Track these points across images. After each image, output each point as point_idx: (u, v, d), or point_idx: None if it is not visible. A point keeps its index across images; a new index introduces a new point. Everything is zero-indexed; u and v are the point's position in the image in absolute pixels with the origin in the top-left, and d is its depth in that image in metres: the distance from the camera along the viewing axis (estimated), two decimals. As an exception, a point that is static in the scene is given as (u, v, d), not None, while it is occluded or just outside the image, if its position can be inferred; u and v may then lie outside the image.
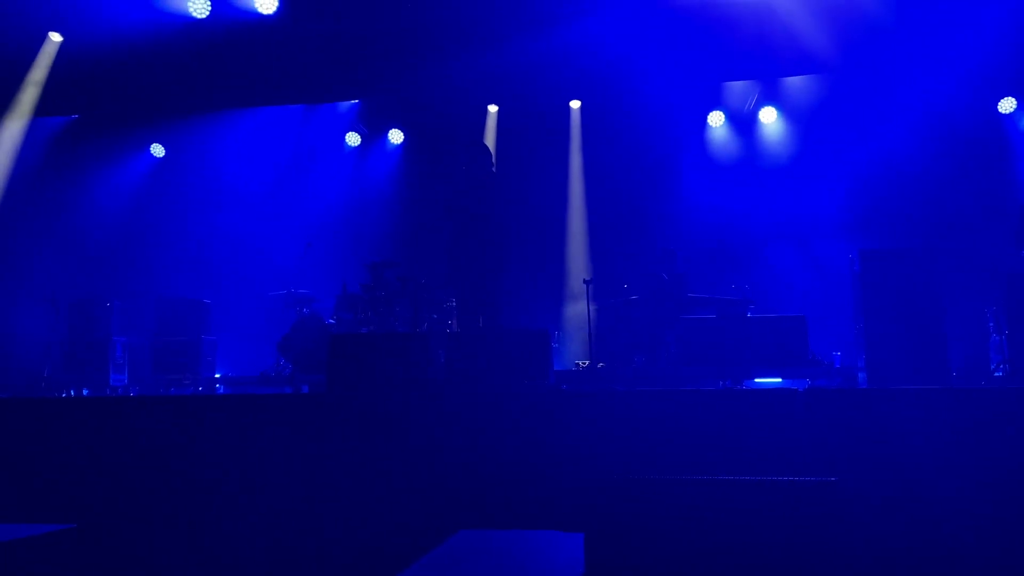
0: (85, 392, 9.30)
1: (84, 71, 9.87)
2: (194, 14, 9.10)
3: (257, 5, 9.07)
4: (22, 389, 9.27)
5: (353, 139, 11.89)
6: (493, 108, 11.21)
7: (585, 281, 8.65)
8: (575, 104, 11.09)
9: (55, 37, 9.80)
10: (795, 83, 10.54)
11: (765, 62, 9.59)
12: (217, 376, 9.89)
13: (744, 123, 11.00)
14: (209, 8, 9.10)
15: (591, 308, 8.75)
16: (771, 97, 10.78)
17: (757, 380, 7.94)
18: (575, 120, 11.16)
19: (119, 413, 5.20)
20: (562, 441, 4.37)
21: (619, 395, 4.99)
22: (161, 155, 11.68)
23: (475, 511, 4.04)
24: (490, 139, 11.10)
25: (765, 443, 3.89)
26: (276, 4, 9.08)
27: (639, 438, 4.31)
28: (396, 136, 11.88)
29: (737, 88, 10.81)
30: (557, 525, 3.32)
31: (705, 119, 11.01)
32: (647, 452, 4.13)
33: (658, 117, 10.63)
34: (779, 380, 8.13)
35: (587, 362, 8.80)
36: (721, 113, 11.00)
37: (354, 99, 11.33)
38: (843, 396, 4.34)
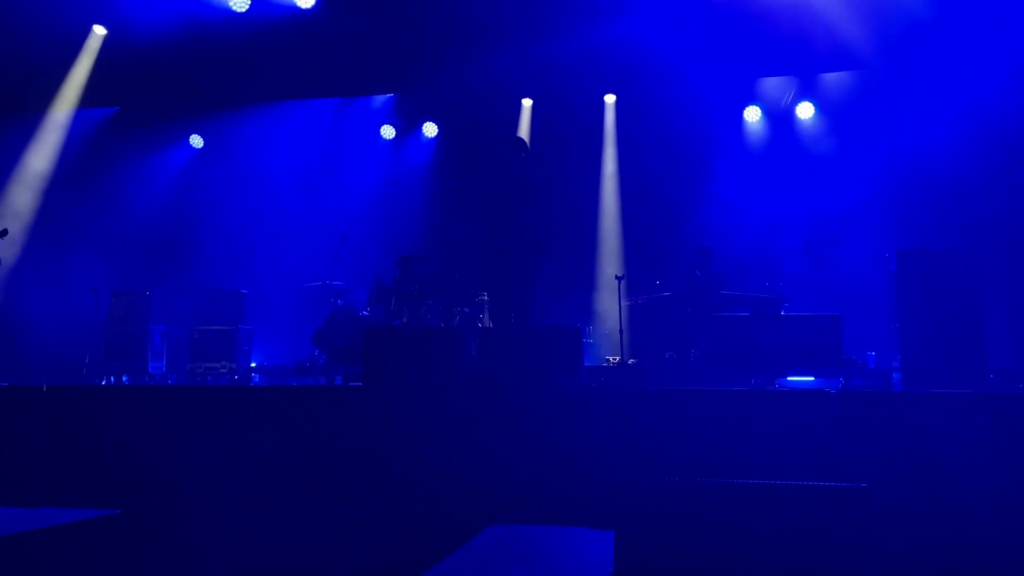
0: (125, 379, 9.50)
1: (127, 64, 10.05)
2: (234, 8, 9.23)
3: (296, 0, 9.16)
4: (64, 376, 9.50)
5: (388, 132, 11.96)
6: (527, 102, 11.21)
7: (617, 277, 8.64)
8: (610, 99, 11.06)
9: (99, 30, 9.98)
10: (833, 79, 10.40)
11: (802, 58, 9.49)
12: (253, 365, 10.05)
13: (781, 119, 10.88)
14: (249, 2, 9.22)
15: (623, 304, 8.75)
16: (808, 93, 10.65)
17: (790, 379, 7.88)
18: (609, 115, 11.12)
19: (160, 402, 5.32)
20: (592, 438, 4.39)
21: (650, 394, 5.01)
22: (200, 146, 11.85)
23: (506, 506, 4.08)
24: (524, 133, 11.10)
25: (796, 445, 3.88)
26: (314, -1, 9.19)
27: (669, 437, 4.32)
28: (430, 129, 11.92)
29: (774, 83, 10.70)
30: (587, 522, 3.35)
31: (741, 114, 10.91)
32: (677, 452, 4.14)
33: (694, 112, 10.54)
34: (812, 379, 8.07)
35: (618, 358, 8.80)
36: (758, 108, 10.90)
37: (390, 93, 11.40)
38: (876, 399, 4.31)
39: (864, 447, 3.75)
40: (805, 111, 10.71)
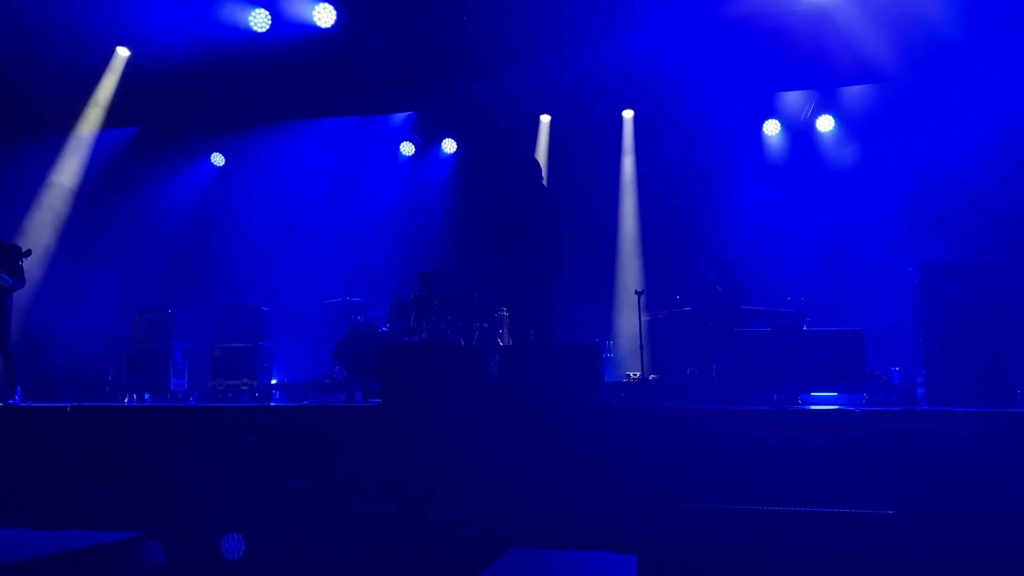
0: (147, 396, 9.57)
1: (149, 84, 10.18)
2: (255, 29, 9.32)
3: (316, 20, 9.25)
4: (87, 393, 9.58)
5: (407, 149, 12.03)
6: (546, 118, 11.23)
7: (637, 292, 8.61)
8: (628, 114, 11.06)
9: (123, 52, 10.12)
10: (853, 92, 10.34)
11: (822, 72, 9.44)
12: (274, 382, 10.09)
13: (801, 132, 10.83)
14: (269, 23, 9.31)
15: (643, 319, 8.71)
16: (828, 106, 10.59)
17: (812, 395, 7.81)
18: (627, 130, 11.11)
19: (182, 422, 5.36)
20: (613, 458, 4.37)
21: (671, 412, 4.98)
22: (221, 164, 11.96)
23: (527, 528, 4.06)
24: (542, 149, 11.12)
25: (821, 466, 3.83)
26: (334, 19, 9.25)
27: (691, 457, 4.29)
28: (449, 146, 11.97)
29: (794, 97, 10.65)
30: (609, 545, 3.31)
31: (760, 128, 10.86)
32: (699, 472, 4.10)
33: (712, 126, 10.52)
34: (835, 395, 7.98)
35: (638, 374, 8.75)
36: (777, 122, 10.85)
37: (409, 111, 11.46)
38: (901, 418, 4.25)
39: (890, 469, 3.69)
40: (825, 124, 10.66)
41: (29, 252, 8.04)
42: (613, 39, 9.30)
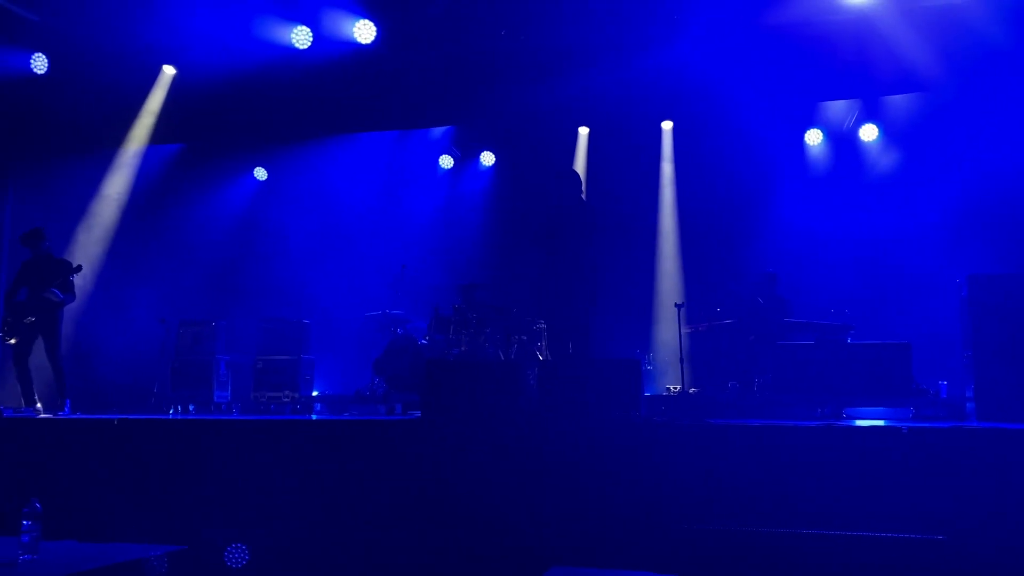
0: (191, 407, 9.74)
1: (194, 100, 10.39)
2: (297, 46, 9.47)
3: (356, 36, 9.37)
4: (133, 404, 9.78)
5: (446, 162, 12.10)
6: (584, 130, 11.22)
7: (677, 304, 8.55)
8: (667, 125, 10.99)
9: (169, 70, 10.35)
10: (897, 101, 10.16)
11: (865, 81, 9.29)
12: (315, 394, 10.20)
13: (844, 141, 10.67)
14: (311, 40, 9.45)
15: (683, 332, 8.64)
16: (872, 114, 10.42)
17: (857, 410, 7.67)
18: (667, 141, 11.05)
19: (226, 435, 5.43)
20: (653, 476, 4.33)
21: (712, 429, 4.92)
22: (264, 179, 12.15)
23: (567, 547, 4.04)
24: (580, 161, 11.11)
25: (868, 485, 3.75)
26: (374, 35, 9.36)
27: (733, 475, 4.23)
28: (488, 158, 12.02)
29: (836, 106, 10.50)
30: (651, 566, 3.28)
31: (802, 137, 10.72)
32: (741, 491, 4.05)
33: (753, 136, 10.40)
34: (881, 409, 7.84)
35: (678, 387, 8.68)
36: (819, 131, 10.71)
37: (448, 124, 11.54)
38: (950, 436, 4.15)
39: (939, 490, 3.59)
40: (868, 133, 10.49)
41: (79, 268, 8.23)
42: (652, 51, 9.26)
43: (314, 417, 8.52)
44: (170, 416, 9.10)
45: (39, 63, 9.91)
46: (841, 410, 7.52)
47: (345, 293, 11.03)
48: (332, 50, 9.58)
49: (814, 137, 10.71)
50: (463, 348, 8.88)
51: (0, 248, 10.92)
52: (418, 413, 7.74)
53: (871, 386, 7.60)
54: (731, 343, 8.95)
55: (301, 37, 9.46)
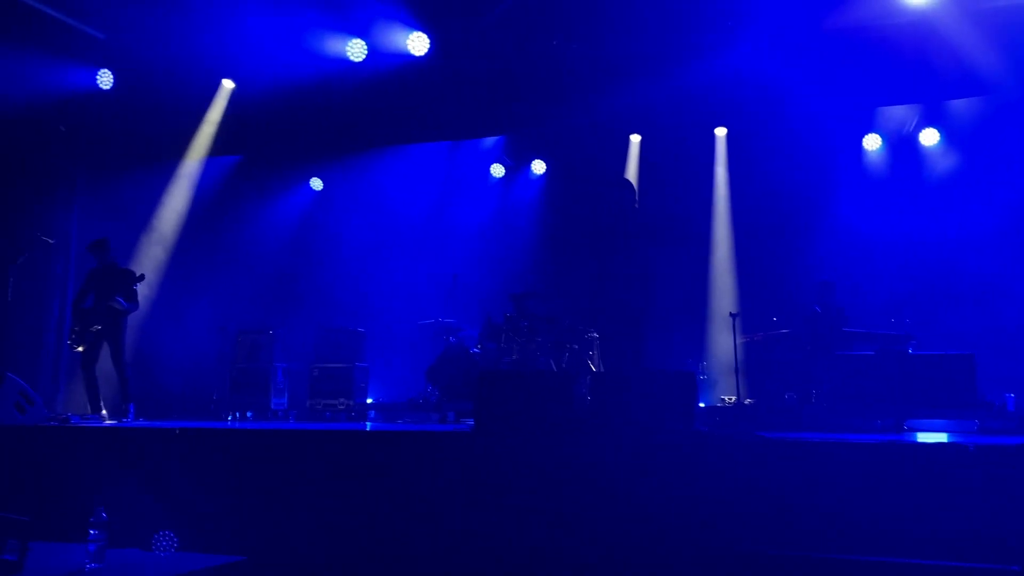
0: (249, 414, 9.93)
1: (252, 113, 10.62)
2: (352, 59, 9.62)
3: (410, 48, 9.47)
4: (194, 410, 10.01)
5: (497, 171, 12.15)
6: (636, 138, 11.14)
7: (732, 314, 8.46)
8: (720, 131, 10.86)
9: (228, 84, 10.60)
10: (960, 105, 9.86)
11: (927, 85, 9.04)
12: (369, 401, 10.31)
13: (903, 145, 10.41)
14: (366, 52, 9.59)
15: (738, 341, 8.53)
16: (933, 119, 10.15)
17: (919, 422, 7.48)
18: (720, 147, 10.92)
19: (285, 445, 5.52)
20: (709, 493, 4.27)
21: (769, 443, 4.84)
22: (319, 189, 12.35)
23: (621, 566, 4.01)
24: (632, 169, 11.03)
25: (931, 506, 3.64)
26: (427, 47, 9.45)
27: (789, 493, 4.15)
28: (539, 167, 12.03)
29: (896, 111, 10.24)
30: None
31: (860, 143, 10.49)
32: (797, 511, 3.96)
33: (810, 141, 10.19)
34: (944, 422, 7.62)
35: (733, 398, 8.57)
36: (878, 136, 10.46)
37: (499, 134, 11.58)
38: (1020, 454, 4.01)
39: (1012, 512, 3.46)
40: (929, 138, 10.21)
41: (143, 277, 8.46)
42: (706, 57, 9.17)
43: (368, 425, 8.61)
44: (228, 422, 9.32)
45: (105, 79, 10.25)
46: (902, 422, 7.34)
47: (398, 302, 11.13)
48: (386, 62, 9.71)
49: (872, 142, 10.47)
50: (515, 357, 8.90)
51: (68, 257, 11.28)
52: (471, 421, 7.78)
53: (933, 398, 7.42)
54: (787, 353, 8.80)
55: (356, 50, 9.61)
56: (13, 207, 10.60)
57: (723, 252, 10.68)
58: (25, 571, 3.66)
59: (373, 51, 9.62)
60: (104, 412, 8.23)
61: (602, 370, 7.84)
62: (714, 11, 8.88)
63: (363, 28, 9.54)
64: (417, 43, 9.48)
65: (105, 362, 8.35)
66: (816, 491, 4.10)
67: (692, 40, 9.07)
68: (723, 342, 9.49)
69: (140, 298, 8.65)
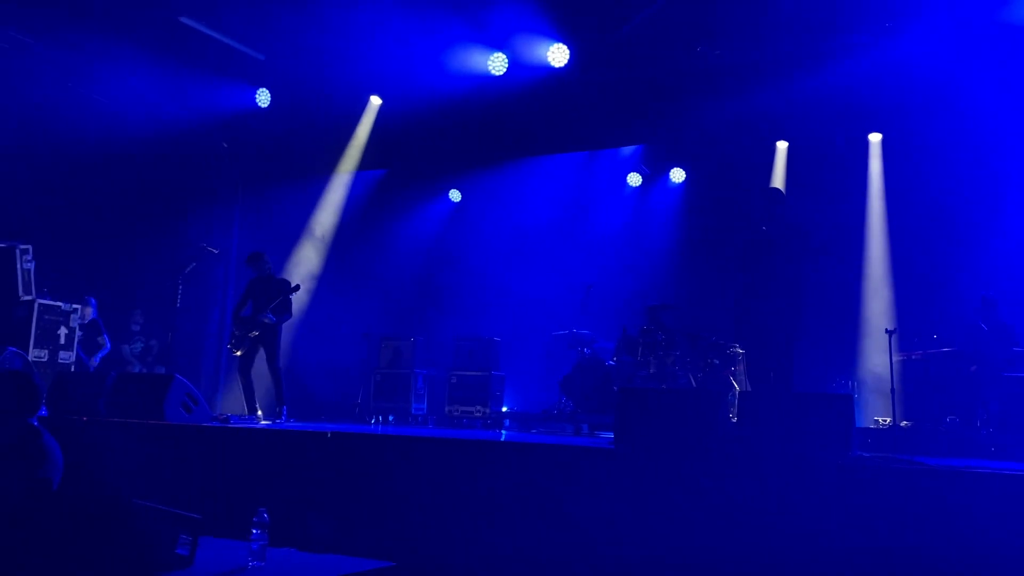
0: (391, 418, 10.26)
1: (397, 128, 10.99)
2: (493, 72, 9.77)
3: (550, 60, 9.52)
4: (341, 414, 10.43)
5: (634, 180, 12.02)
6: (782, 144, 10.71)
7: (887, 331, 7.99)
8: (874, 137, 10.28)
9: (375, 100, 11.01)
10: None
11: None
12: (504, 410, 10.43)
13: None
14: (507, 66, 9.72)
15: (894, 360, 8.04)
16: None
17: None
18: (874, 154, 10.32)
19: (426, 450, 5.64)
20: (865, 525, 4.03)
21: (932, 472, 4.53)
22: (458, 200, 12.61)
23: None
24: (779, 177, 10.62)
25: None
26: (567, 58, 9.47)
27: (957, 528, 3.86)
28: (678, 175, 11.81)
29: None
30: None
31: (1033, 146, 9.66)
32: (967, 548, 3.67)
33: (975, 146, 9.46)
34: None
35: (888, 420, 8.08)
36: (1054, 139, 9.60)
37: (639, 143, 11.45)
38: None
39: None
40: (1116, 140, 9.29)
41: (298, 287, 8.88)
42: (857, 57, 8.73)
43: (504, 434, 8.70)
44: (371, 426, 9.65)
45: (263, 98, 10.88)
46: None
47: (534, 311, 11.20)
48: (526, 75, 9.80)
49: (1048, 145, 9.62)
50: (651, 371, 8.76)
51: (228, 266, 12.03)
52: (606, 435, 7.71)
53: (1120, 426, 6.76)
54: (950, 373, 8.22)
55: (497, 64, 9.75)
56: (182, 219, 11.42)
57: (877, 265, 10.08)
58: (194, 565, 3.89)
59: (514, 64, 9.74)
60: (260, 413, 8.69)
61: (748, 389, 7.57)
62: (868, 8, 8.42)
63: (504, 41, 9.67)
64: (557, 54, 9.51)
65: (259, 365, 8.81)
66: (990, 528, 3.79)
67: (845, 39, 8.65)
68: (876, 359, 8.98)
69: (295, 304, 9.07)
